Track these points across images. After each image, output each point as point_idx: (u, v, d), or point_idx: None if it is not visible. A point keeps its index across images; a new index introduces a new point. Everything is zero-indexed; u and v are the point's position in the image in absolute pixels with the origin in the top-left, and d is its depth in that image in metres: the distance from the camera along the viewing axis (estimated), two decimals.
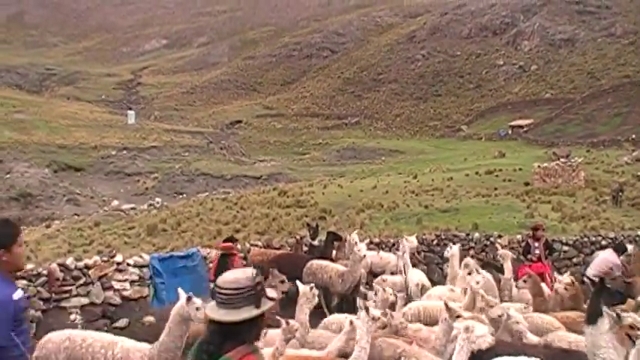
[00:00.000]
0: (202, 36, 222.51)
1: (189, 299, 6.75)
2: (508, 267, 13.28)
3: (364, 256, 13.12)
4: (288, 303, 15.09)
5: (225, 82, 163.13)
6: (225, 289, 3.37)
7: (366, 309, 7.23)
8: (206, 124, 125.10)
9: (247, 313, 3.32)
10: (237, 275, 3.50)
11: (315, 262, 14.18)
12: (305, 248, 17.04)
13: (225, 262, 11.63)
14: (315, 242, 16.70)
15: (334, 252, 15.73)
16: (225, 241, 12.76)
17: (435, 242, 17.92)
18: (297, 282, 8.91)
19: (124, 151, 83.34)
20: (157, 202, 59.30)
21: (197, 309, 6.63)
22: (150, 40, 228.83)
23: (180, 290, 7.17)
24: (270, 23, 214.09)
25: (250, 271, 3.56)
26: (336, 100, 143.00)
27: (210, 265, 14.90)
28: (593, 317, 6.92)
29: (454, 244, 16.29)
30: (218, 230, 34.08)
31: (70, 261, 12.73)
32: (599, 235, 19.90)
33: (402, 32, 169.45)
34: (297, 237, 17.97)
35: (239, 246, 14.71)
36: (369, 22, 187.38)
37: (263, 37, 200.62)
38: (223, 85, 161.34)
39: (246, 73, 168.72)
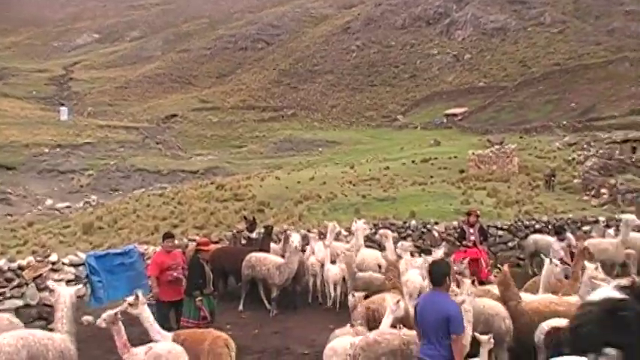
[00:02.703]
0: (135, 30, 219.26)
1: (78, 290, 8.26)
2: (390, 247, 13.90)
3: (298, 247, 13.30)
4: (230, 298, 15.15)
5: (160, 75, 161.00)
6: None
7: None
8: (141, 119, 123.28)
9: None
10: None
11: (254, 255, 14.28)
12: (243, 241, 17.08)
13: (198, 259, 11.47)
14: (253, 235, 16.76)
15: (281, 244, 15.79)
16: (163, 236, 12.62)
17: (372, 231, 18.05)
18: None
19: (57, 149, 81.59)
20: (93, 200, 58.31)
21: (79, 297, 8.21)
22: (81, 35, 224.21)
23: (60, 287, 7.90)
24: (204, 16, 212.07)
25: None
26: (272, 92, 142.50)
27: (149, 261, 14.77)
28: None
29: (392, 232, 16.55)
30: (155, 226, 33.77)
31: (2, 262, 12.50)
32: (533, 219, 20.34)
33: (337, 23, 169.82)
34: (235, 230, 18.02)
35: (176, 241, 14.61)
36: (303, 13, 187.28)
37: (197, 29, 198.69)
38: (158, 79, 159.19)
39: (180, 66, 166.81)
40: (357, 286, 12.63)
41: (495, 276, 13.83)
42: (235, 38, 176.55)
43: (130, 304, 8.38)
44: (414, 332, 7.81)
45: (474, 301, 9.13)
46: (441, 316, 6.60)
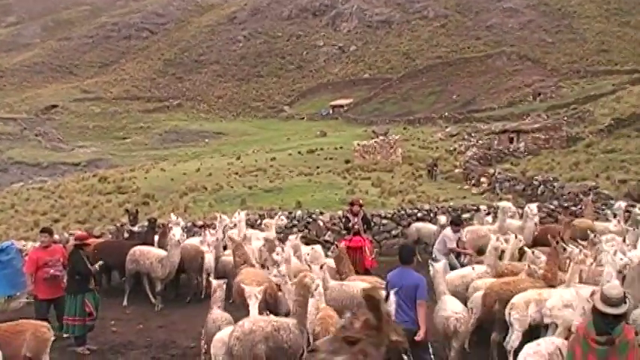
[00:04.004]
0: (11, 15, 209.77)
1: None
2: (272, 235, 14.41)
3: (178, 241, 13.26)
4: (114, 293, 14.81)
5: (39, 64, 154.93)
6: (615, 297, 5.51)
7: None
8: (19, 110, 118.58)
9: (624, 308, 5.55)
10: (620, 289, 5.71)
11: (138, 249, 14.11)
12: (126, 235, 16.78)
13: (80, 254, 11.00)
14: (135, 228, 16.50)
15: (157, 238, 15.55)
16: (41, 231, 12.11)
17: (258, 222, 18.06)
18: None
19: None
20: None
21: None
22: None
23: None
24: (85, 2, 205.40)
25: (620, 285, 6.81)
26: (157, 83, 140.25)
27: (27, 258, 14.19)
28: None
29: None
30: (35, 221, 32.68)
31: None
32: (415, 208, 20.76)
33: (223, 13, 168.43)
34: (119, 224, 17.70)
35: (56, 236, 14.12)
36: (189, 2, 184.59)
37: (78, 16, 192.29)
38: (37, 67, 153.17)
39: (61, 55, 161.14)
40: (219, 270, 14.22)
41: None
42: (119, 27, 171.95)
43: None
44: (282, 319, 8.02)
45: (347, 285, 10.02)
46: (410, 285, 8.12)
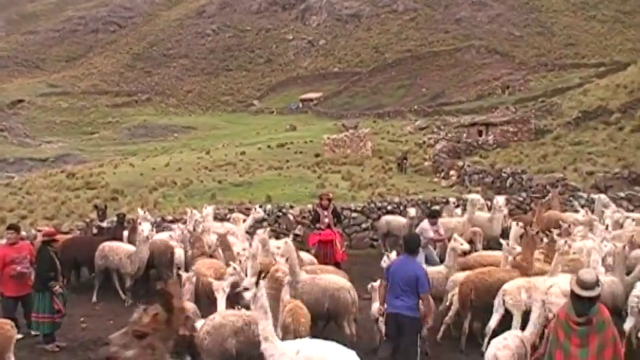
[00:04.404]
0: None
1: None
2: (241, 230, 14.92)
3: (147, 236, 13.17)
4: (83, 289, 14.67)
5: (4, 58, 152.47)
6: (589, 281, 5.74)
7: None
8: None
9: (597, 291, 5.76)
10: (593, 274, 5.95)
11: (107, 245, 14.01)
12: (95, 231, 16.68)
13: (48, 251, 10.86)
14: (104, 224, 16.37)
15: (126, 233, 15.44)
16: (8, 228, 11.95)
17: (227, 217, 18.00)
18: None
19: None
20: None
21: None
22: None
23: None
24: None
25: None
26: (125, 77, 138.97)
27: None
28: None
29: (247, 217, 16.59)
30: (2, 218, 32.12)
31: None
32: (385, 201, 20.83)
33: (192, 7, 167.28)
34: (87, 220, 17.57)
35: (23, 233, 13.93)
36: None
37: (44, 10, 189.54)
38: (1, 61, 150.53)
39: (26, 49, 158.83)
40: (188, 265, 13.79)
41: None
42: (85, 20, 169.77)
43: None
44: (254, 313, 8.02)
45: (320, 278, 10.05)
46: (410, 275, 8.32)
